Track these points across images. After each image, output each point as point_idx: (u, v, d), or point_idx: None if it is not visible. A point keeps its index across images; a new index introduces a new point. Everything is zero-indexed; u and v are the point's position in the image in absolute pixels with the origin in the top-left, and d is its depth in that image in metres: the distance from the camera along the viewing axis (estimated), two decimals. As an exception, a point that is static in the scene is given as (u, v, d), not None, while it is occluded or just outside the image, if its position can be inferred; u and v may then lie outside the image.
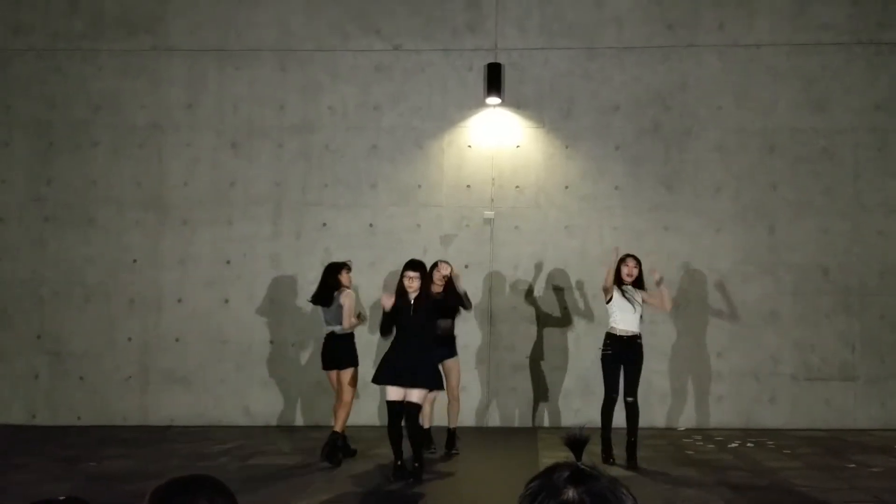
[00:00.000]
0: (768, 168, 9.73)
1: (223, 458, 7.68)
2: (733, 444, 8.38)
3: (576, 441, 1.41)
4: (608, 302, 7.57)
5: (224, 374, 9.77)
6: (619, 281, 7.50)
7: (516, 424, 9.64)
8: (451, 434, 7.96)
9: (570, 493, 1.23)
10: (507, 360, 9.70)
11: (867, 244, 9.60)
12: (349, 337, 7.73)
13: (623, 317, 7.42)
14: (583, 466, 1.30)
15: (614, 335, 7.43)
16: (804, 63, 9.79)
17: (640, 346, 7.49)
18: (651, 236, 9.66)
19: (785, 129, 9.75)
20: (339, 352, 7.67)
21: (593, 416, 9.62)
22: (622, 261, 7.56)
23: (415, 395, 6.65)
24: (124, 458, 7.58)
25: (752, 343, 9.58)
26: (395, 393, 6.73)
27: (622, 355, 7.40)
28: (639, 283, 7.56)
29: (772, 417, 9.48)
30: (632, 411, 7.42)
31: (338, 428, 7.47)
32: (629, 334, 7.41)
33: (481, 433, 9.19)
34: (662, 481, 6.63)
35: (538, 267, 9.74)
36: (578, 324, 9.70)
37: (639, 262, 7.61)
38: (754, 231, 9.68)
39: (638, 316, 7.47)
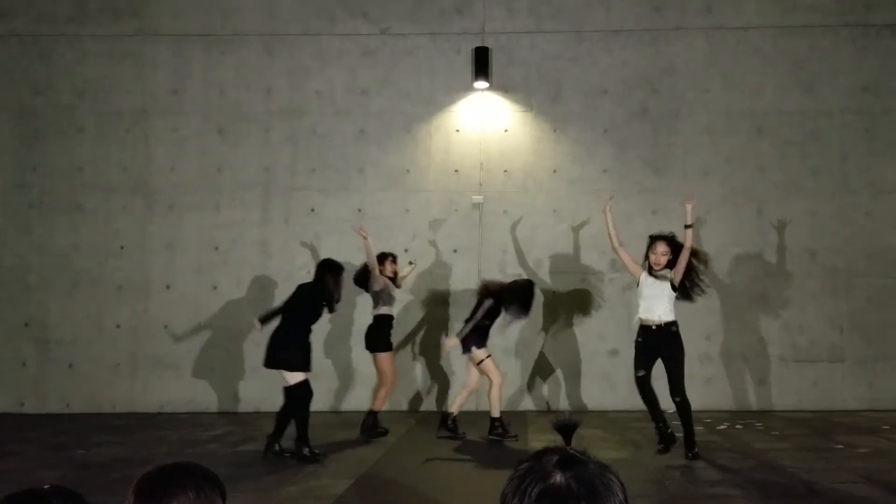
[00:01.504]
0: (756, 151, 9.74)
1: (213, 444, 7.67)
2: (722, 426, 8.43)
3: (565, 426, 1.42)
4: (637, 284, 7.07)
5: (213, 360, 9.75)
6: (648, 267, 7.00)
7: (505, 408, 9.65)
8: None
9: (558, 477, 1.23)
10: (497, 344, 9.70)
11: (854, 226, 9.64)
12: (382, 322, 7.95)
13: (647, 305, 6.88)
14: (571, 451, 1.30)
15: (642, 324, 6.96)
16: (792, 45, 9.79)
17: (675, 333, 6.88)
18: (639, 219, 9.67)
19: (772, 112, 9.76)
20: (370, 336, 8.02)
21: (582, 401, 9.67)
22: (650, 247, 6.97)
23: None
24: (114, 446, 7.57)
25: (741, 325, 9.62)
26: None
27: (653, 345, 6.87)
28: (673, 265, 6.89)
29: (760, 399, 9.55)
30: (681, 410, 6.88)
31: (375, 406, 7.95)
32: (657, 323, 6.85)
33: (470, 416, 9.21)
34: (651, 464, 6.67)
35: (521, 251, 9.74)
36: (568, 308, 9.71)
37: (671, 244, 6.92)
38: (742, 213, 9.71)
39: (667, 301, 6.85)
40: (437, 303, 9.74)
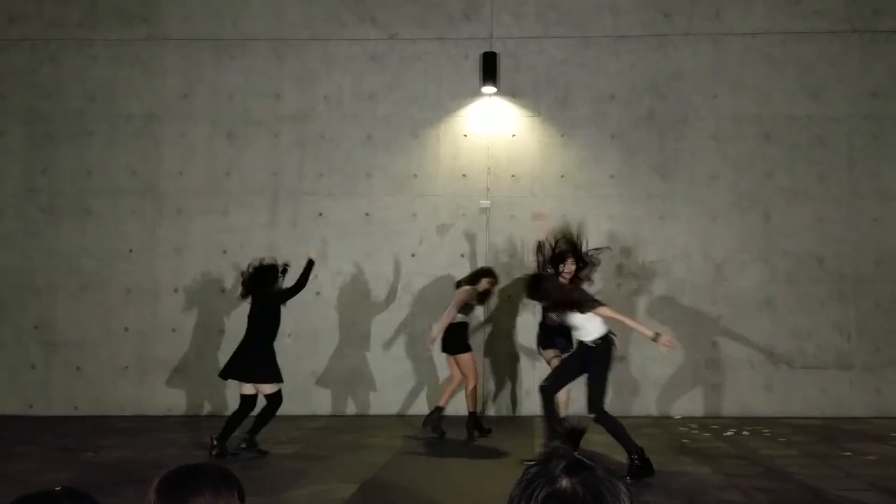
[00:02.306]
0: (764, 156, 9.74)
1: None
2: (729, 433, 8.41)
3: (572, 432, 1.43)
4: None
5: (220, 364, 9.69)
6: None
7: (514, 413, 9.67)
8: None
9: (564, 482, 1.24)
10: (504, 349, 9.72)
11: (862, 232, 9.62)
12: (459, 328, 8.22)
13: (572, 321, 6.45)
14: (579, 457, 1.31)
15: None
16: (799, 51, 9.78)
17: (592, 350, 6.34)
18: (647, 224, 9.68)
19: (780, 117, 9.76)
20: (448, 340, 8.26)
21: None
22: (560, 259, 6.61)
23: None
24: (121, 448, 7.59)
25: (748, 331, 9.61)
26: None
27: (579, 361, 6.50)
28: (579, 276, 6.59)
29: (767, 405, 9.52)
30: (602, 425, 6.35)
31: (469, 407, 8.26)
32: (580, 340, 6.48)
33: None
34: (658, 470, 6.66)
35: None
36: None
37: (576, 256, 6.58)
38: (750, 219, 9.70)
39: (581, 317, 6.32)
40: (444, 308, 9.72)
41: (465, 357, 8.22)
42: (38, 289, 9.90)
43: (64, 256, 9.91)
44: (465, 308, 8.25)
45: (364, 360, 9.64)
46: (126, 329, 9.84)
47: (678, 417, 9.46)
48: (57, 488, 1.57)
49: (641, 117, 9.84)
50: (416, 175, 9.92)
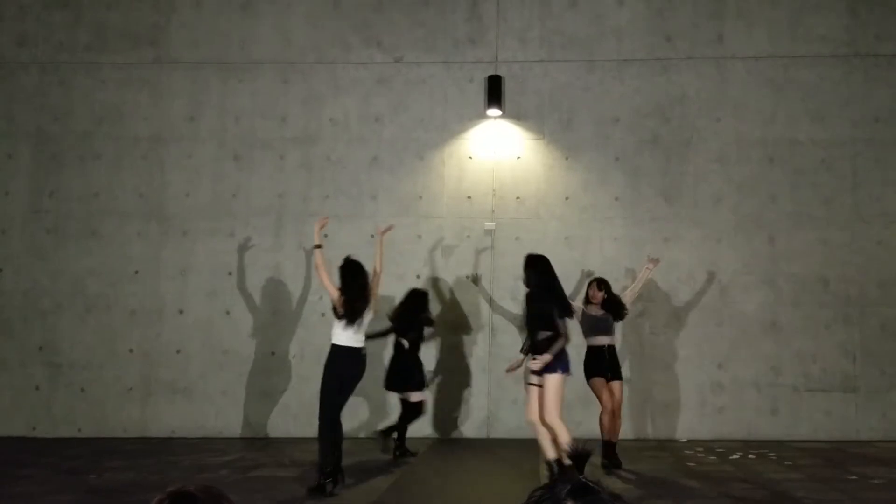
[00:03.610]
0: (767, 179, 9.76)
1: (224, 470, 7.67)
2: (734, 456, 8.37)
3: (578, 455, 1.44)
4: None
5: (225, 385, 9.78)
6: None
7: (518, 436, 9.62)
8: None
9: (570, 505, 1.25)
10: (500, 374, 9.68)
11: (866, 255, 9.62)
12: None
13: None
14: (585, 480, 1.32)
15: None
16: (802, 75, 9.84)
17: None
18: (651, 247, 9.68)
19: (784, 141, 9.79)
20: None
21: (594, 428, 9.62)
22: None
23: None
24: (125, 470, 7.58)
25: (753, 353, 9.59)
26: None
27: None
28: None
29: (773, 428, 9.48)
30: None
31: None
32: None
33: (483, 444, 9.20)
34: (663, 493, 6.62)
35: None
36: (579, 335, 9.69)
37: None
38: (754, 242, 9.71)
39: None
40: (449, 329, 9.75)
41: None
42: (43, 310, 9.93)
43: (69, 278, 9.95)
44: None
45: (370, 381, 9.59)
46: (131, 350, 9.85)
47: (684, 440, 9.42)
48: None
49: (645, 140, 9.89)
50: (421, 197, 9.96)
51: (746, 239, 9.72)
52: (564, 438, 6.36)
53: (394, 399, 8.79)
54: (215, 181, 10.05)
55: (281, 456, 8.37)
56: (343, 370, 6.51)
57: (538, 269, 6.81)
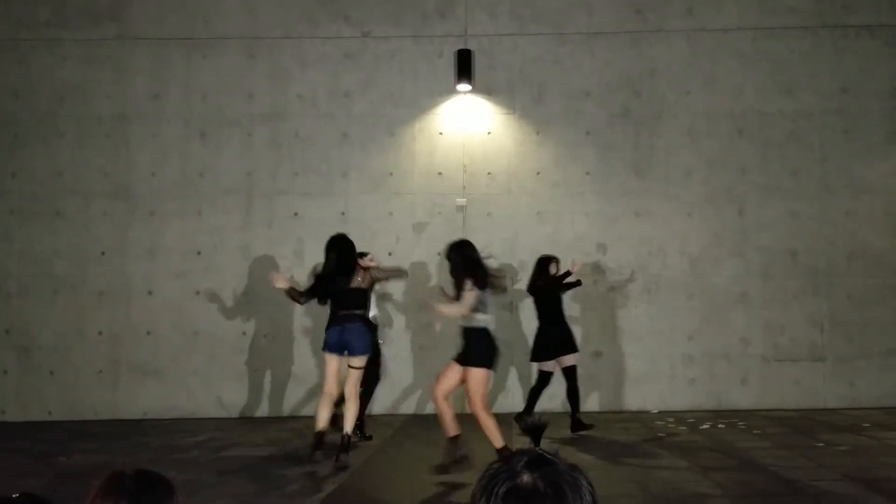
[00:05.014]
0: (737, 152, 9.81)
1: (196, 450, 7.63)
2: (705, 426, 8.47)
3: (534, 427, 1.42)
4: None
5: (196, 366, 9.70)
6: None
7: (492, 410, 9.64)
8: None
9: (525, 476, 1.23)
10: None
11: (834, 226, 9.72)
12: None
13: None
14: (541, 451, 1.30)
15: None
16: (771, 47, 9.86)
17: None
18: (622, 221, 9.72)
19: (753, 113, 9.83)
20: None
21: (566, 402, 9.69)
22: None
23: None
24: (96, 453, 7.51)
25: (723, 325, 9.68)
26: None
27: None
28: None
29: (743, 398, 9.60)
30: None
31: None
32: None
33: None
34: (634, 464, 6.69)
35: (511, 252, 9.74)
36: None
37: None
38: (724, 214, 9.77)
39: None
40: (420, 307, 9.72)
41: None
42: (8, 293, 9.77)
43: (35, 259, 9.78)
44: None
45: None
46: (100, 332, 9.73)
47: (655, 412, 9.51)
48: (15, 495, 1.52)
49: (616, 114, 9.88)
50: (391, 173, 9.89)
51: (716, 211, 9.77)
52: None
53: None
54: (182, 160, 9.90)
55: (253, 436, 8.34)
56: None
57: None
